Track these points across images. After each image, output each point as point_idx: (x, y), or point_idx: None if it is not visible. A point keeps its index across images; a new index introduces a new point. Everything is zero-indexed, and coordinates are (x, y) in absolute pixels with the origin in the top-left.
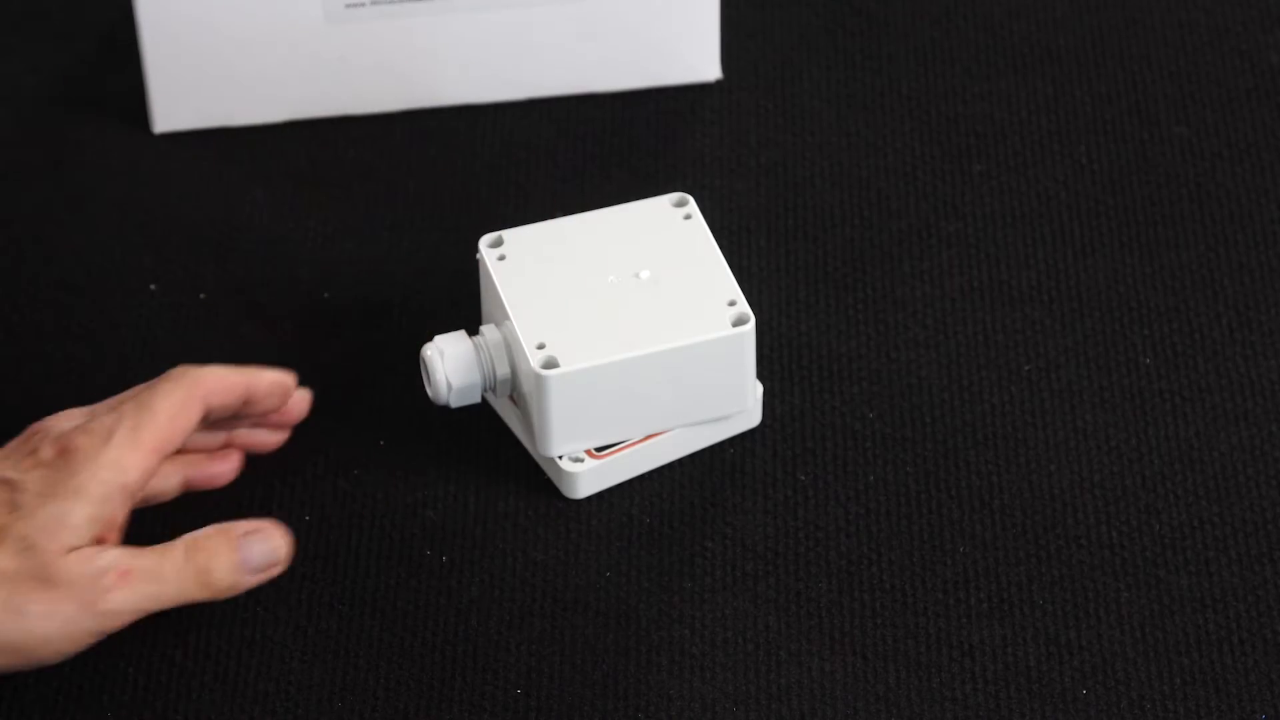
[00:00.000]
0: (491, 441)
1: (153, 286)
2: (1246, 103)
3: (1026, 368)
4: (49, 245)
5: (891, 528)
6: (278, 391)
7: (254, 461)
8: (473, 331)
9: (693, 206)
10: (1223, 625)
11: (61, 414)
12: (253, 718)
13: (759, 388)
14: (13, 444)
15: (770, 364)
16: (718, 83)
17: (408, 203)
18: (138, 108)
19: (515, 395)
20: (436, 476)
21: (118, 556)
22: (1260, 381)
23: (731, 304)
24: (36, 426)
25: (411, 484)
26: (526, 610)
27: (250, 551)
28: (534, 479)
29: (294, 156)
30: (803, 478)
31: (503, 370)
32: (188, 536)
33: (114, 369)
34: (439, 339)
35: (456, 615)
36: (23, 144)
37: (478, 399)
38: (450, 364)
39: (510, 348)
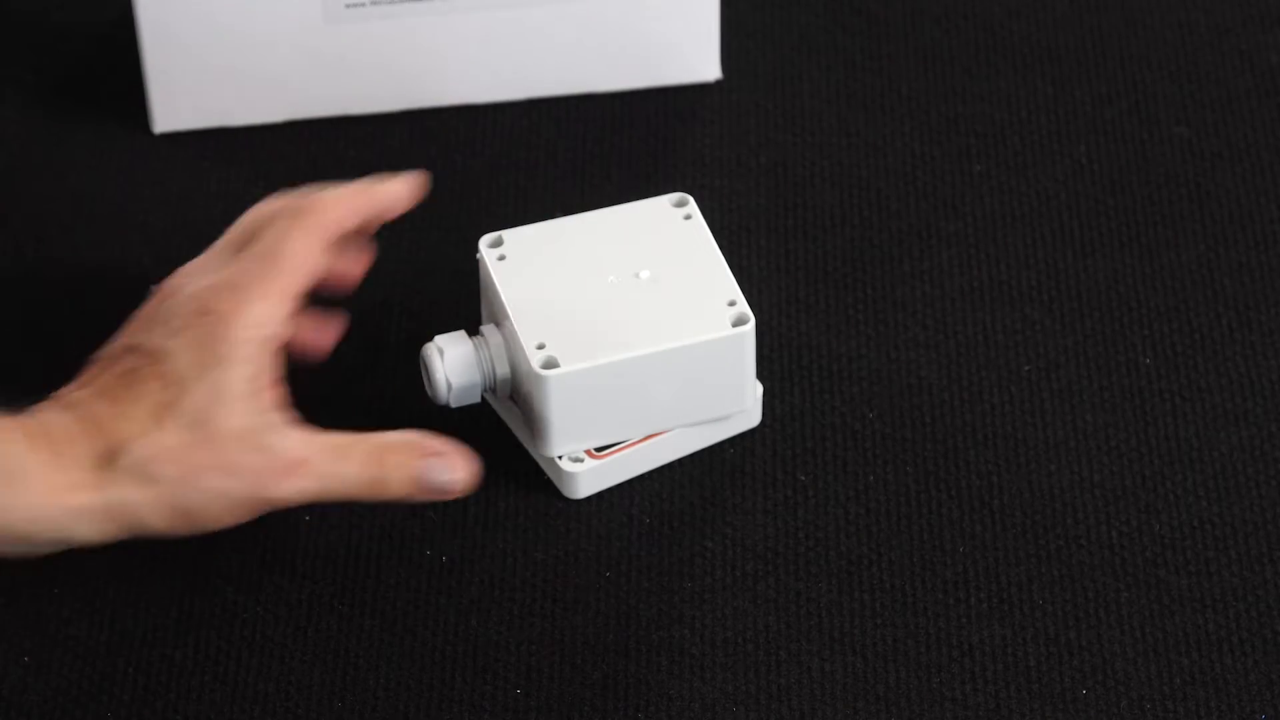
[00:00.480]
0: (491, 441)
1: (153, 286)
2: (1246, 103)
3: (1026, 368)
4: (49, 245)
5: (891, 528)
6: (401, 200)
7: None
8: (473, 332)
9: (693, 206)
10: (1223, 625)
11: (182, 271)
12: (253, 718)
13: (759, 388)
14: (147, 309)
15: (770, 364)
16: (718, 83)
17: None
18: (138, 108)
19: (515, 395)
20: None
21: (297, 444)
22: (1260, 381)
23: (731, 304)
24: (165, 288)
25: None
26: (526, 610)
27: (430, 473)
28: (534, 479)
29: (294, 156)
30: (803, 478)
31: (503, 370)
32: (375, 439)
33: None
34: (439, 339)
35: (456, 615)
36: (23, 144)
37: (478, 399)
38: (450, 364)
39: (510, 348)
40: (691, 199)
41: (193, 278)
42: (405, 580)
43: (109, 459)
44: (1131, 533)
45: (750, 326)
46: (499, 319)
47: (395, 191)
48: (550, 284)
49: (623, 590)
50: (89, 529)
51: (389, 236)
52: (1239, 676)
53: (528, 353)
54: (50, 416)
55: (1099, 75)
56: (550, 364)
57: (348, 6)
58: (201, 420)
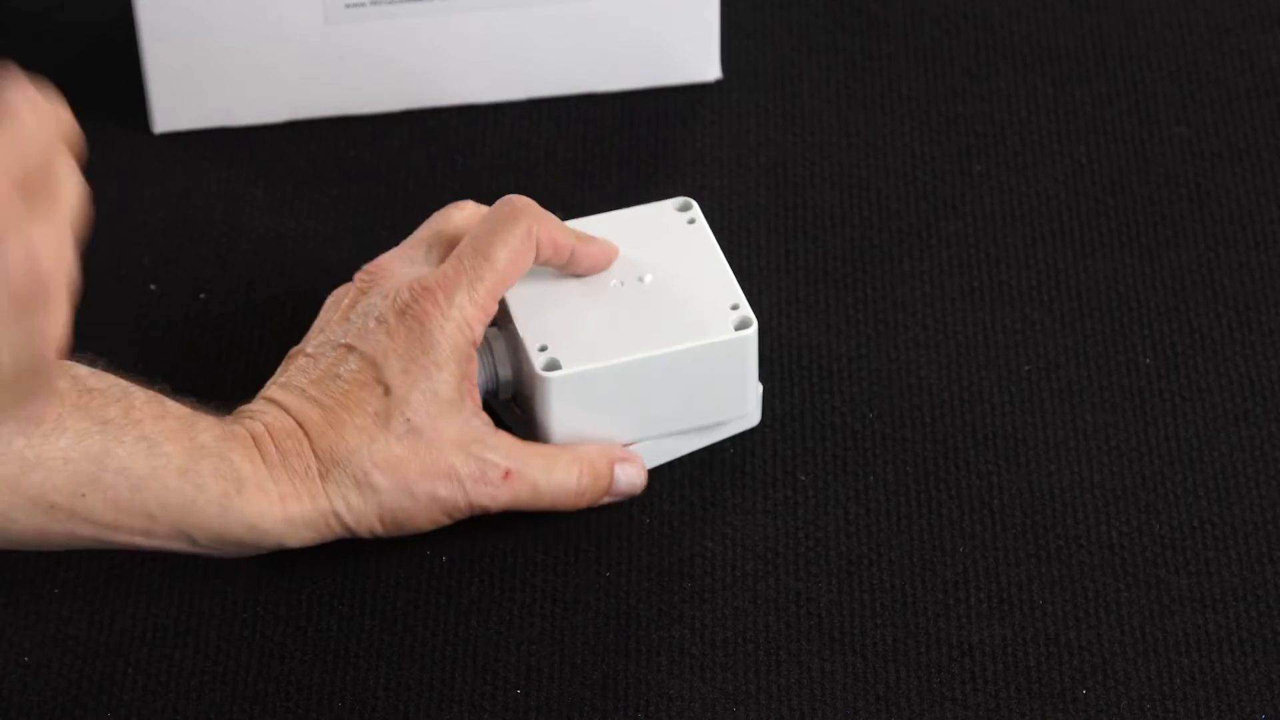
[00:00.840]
0: None
1: (153, 286)
2: (1246, 103)
3: (1026, 368)
4: None
5: (891, 528)
6: (600, 263)
7: None
8: None
9: (696, 211)
10: (1223, 625)
11: (382, 264)
12: (252, 718)
13: (759, 388)
14: (348, 301)
15: (770, 364)
16: (718, 83)
17: (408, 203)
18: (138, 108)
19: (517, 398)
20: None
21: (507, 453)
22: (1260, 381)
23: (735, 308)
24: (370, 275)
25: None
26: (526, 610)
27: (620, 479)
28: None
29: (294, 156)
30: (803, 478)
31: (505, 373)
32: (575, 449)
33: (114, 369)
34: None
35: (456, 615)
36: None
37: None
38: None
39: (513, 350)
40: (695, 203)
41: (394, 273)
42: (405, 580)
43: (327, 468)
44: (1131, 533)
45: (753, 330)
46: (502, 322)
47: (599, 255)
48: (553, 286)
49: (623, 590)
50: (301, 535)
51: (389, 236)
52: (1239, 676)
53: (530, 355)
54: (269, 421)
55: (1099, 75)
56: (552, 366)
57: (348, 6)
58: (417, 429)
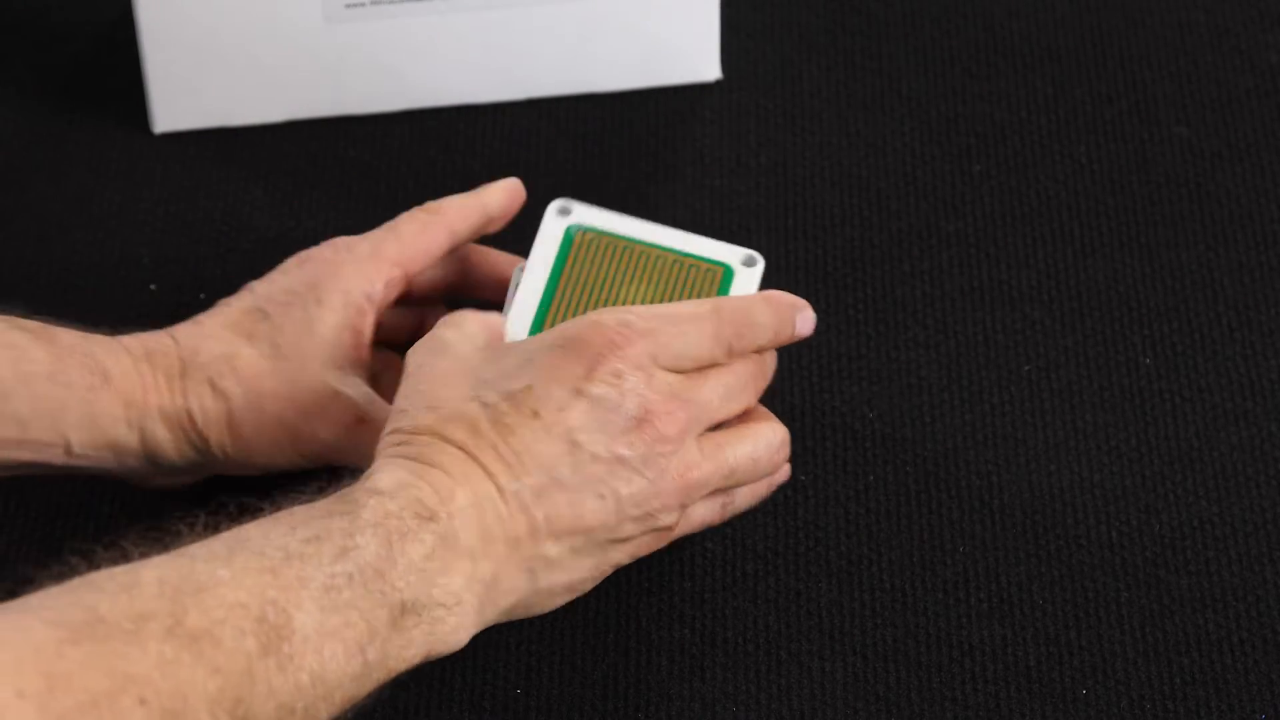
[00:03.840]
0: None
1: (153, 286)
2: (1246, 103)
3: (1026, 368)
4: (49, 245)
5: (891, 528)
6: (509, 197)
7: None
8: None
9: (759, 270)
10: (1223, 625)
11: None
12: None
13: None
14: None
15: None
16: (718, 83)
17: (408, 203)
18: (138, 108)
19: None
20: None
21: (365, 401)
22: (1260, 381)
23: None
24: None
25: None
26: None
27: None
28: None
29: (294, 156)
30: (803, 478)
31: None
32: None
33: None
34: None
35: None
36: (23, 144)
37: None
38: None
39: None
40: (762, 261)
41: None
42: None
43: (187, 367)
44: (1131, 533)
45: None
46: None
47: (502, 191)
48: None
49: (623, 590)
50: (163, 436)
51: None
52: (1239, 676)
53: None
54: (143, 335)
55: (1099, 75)
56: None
57: (348, 6)
58: (283, 354)
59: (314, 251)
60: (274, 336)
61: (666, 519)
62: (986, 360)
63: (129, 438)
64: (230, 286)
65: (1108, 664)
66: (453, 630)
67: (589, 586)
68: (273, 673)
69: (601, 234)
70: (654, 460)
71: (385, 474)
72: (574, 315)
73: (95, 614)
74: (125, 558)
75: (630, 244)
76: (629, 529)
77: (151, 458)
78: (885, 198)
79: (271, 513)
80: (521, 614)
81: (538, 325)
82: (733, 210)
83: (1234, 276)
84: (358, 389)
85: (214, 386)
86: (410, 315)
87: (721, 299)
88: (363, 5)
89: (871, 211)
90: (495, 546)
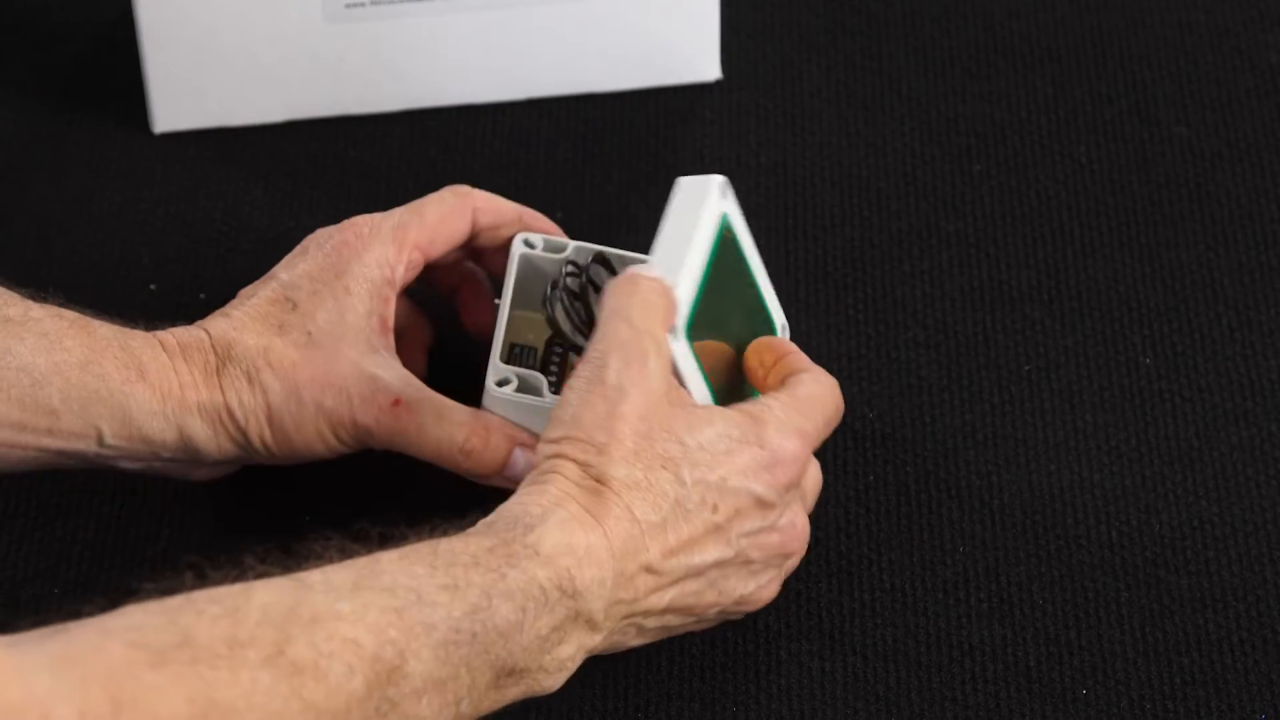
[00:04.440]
0: None
1: (153, 286)
2: (1246, 103)
3: (1026, 368)
4: (49, 245)
5: (891, 528)
6: (544, 225)
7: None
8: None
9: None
10: (1223, 625)
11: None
12: None
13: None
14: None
15: None
16: (718, 83)
17: (407, 203)
18: (138, 108)
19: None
20: (437, 476)
21: (404, 385)
22: (1260, 381)
23: None
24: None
25: (412, 483)
26: None
27: (518, 462)
28: None
29: (294, 156)
30: None
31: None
32: (479, 416)
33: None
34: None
35: None
36: (23, 144)
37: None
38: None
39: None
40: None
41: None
42: None
43: (223, 362)
44: (1131, 533)
45: None
46: None
47: (543, 222)
48: None
49: None
50: (201, 431)
51: None
52: (1239, 676)
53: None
54: (176, 330)
55: (1099, 75)
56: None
57: (348, 6)
58: (316, 342)
59: (337, 233)
60: (305, 325)
61: (750, 605)
62: (986, 360)
63: (165, 432)
64: (230, 286)
65: (1108, 664)
66: (546, 689)
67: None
68: (370, 716)
69: (736, 242)
70: (773, 566)
71: (551, 531)
72: (714, 330)
73: (187, 636)
74: (242, 576)
75: (744, 263)
76: (714, 615)
77: (189, 452)
78: (885, 198)
79: (415, 541)
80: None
81: (690, 323)
82: None
83: (1234, 276)
84: (393, 371)
85: (251, 380)
86: (405, 306)
87: (826, 420)
88: (363, 5)
89: (871, 211)
90: (613, 621)
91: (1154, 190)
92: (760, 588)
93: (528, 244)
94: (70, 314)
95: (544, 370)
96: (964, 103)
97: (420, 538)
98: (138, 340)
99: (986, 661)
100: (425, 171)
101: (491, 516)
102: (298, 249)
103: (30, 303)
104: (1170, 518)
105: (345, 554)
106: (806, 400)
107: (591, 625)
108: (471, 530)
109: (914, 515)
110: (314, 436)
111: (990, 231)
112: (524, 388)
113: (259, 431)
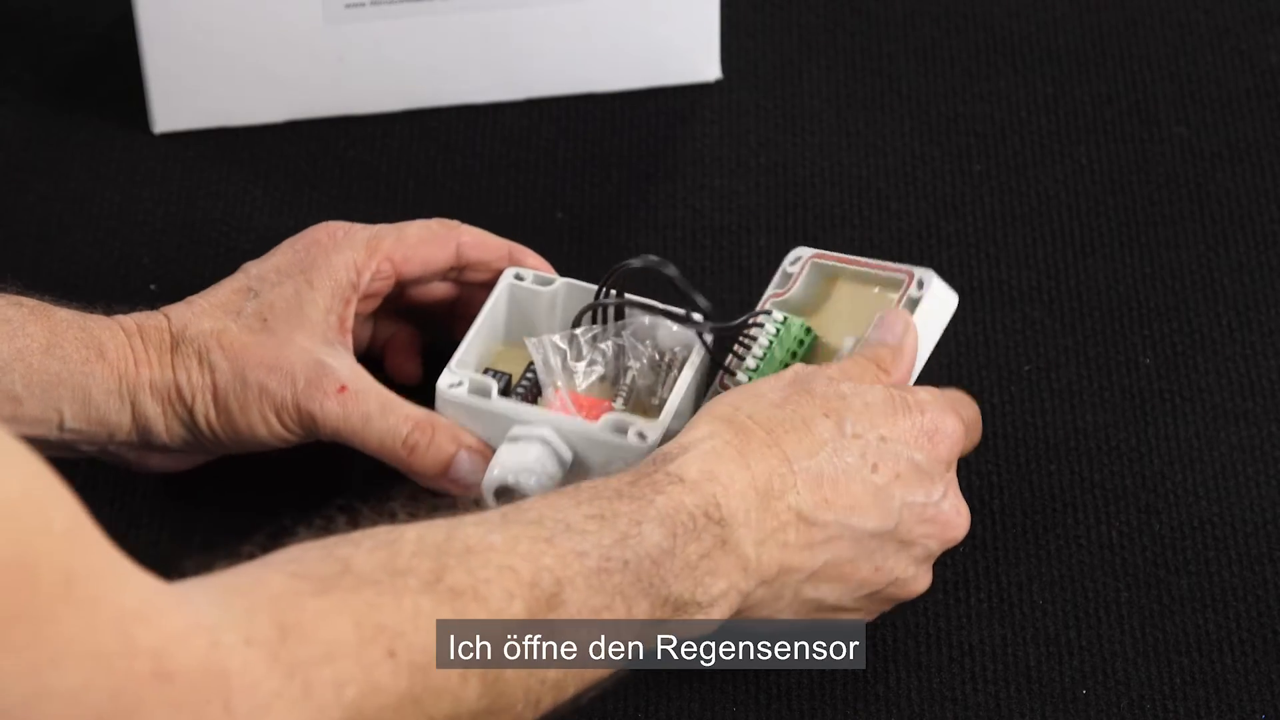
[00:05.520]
0: None
1: (153, 286)
2: (1246, 103)
3: (1026, 368)
4: (49, 245)
5: None
6: (537, 265)
7: (254, 460)
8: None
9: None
10: (1223, 625)
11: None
12: None
13: None
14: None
15: None
16: (718, 83)
17: (407, 203)
18: (138, 108)
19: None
20: None
21: (351, 373)
22: (1260, 381)
23: None
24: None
25: (411, 483)
26: None
27: (461, 464)
28: None
29: (294, 156)
30: None
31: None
32: (425, 414)
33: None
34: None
35: None
36: (23, 144)
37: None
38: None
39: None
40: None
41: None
42: None
43: (178, 341)
44: (1131, 533)
45: None
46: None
47: (536, 261)
48: None
49: None
50: (152, 410)
51: None
52: (1239, 676)
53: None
54: (142, 314)
55: (1099, 75)
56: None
57: (348, 6)
58: (269, 327)
59: (310, 233)
60: (262, 312)
61: (916, 583)
62: (986, 360)
63: (121, 412)
64: None
65: (1108, 664)
66: (699, 629)
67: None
68: (534, 645)
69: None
70: (931, 552)
71: (694, 460)
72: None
73: (347, 566)
74: (393, 518)
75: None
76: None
77: (142, 433)
78: (885, 198)
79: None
80: (743, 616)
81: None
82: (733, 210)
83: (1234, 276)
84: (343, 362)
85: (201, 359)
86: (366, 329)
87: (973, 419)
88: (363, 5)
89: (871, 211)
90: (766, 565)
91: (1154, 190)
92: (917, 576)
93: (518, 277)
94: (30, 301)
95: (511, 390)
96: (964, 103)
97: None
98: (98, 323)
99: (986, 661)
100: (425, 171)
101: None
102: (276, 247)
103: None
104: (1170, 518)
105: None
106: (956, 396)
107: (743, 561)
108: (615, 471)
109: None
110: (258, 419)
111: (990, 231)
112: (474, 389)
113: (204, 411)
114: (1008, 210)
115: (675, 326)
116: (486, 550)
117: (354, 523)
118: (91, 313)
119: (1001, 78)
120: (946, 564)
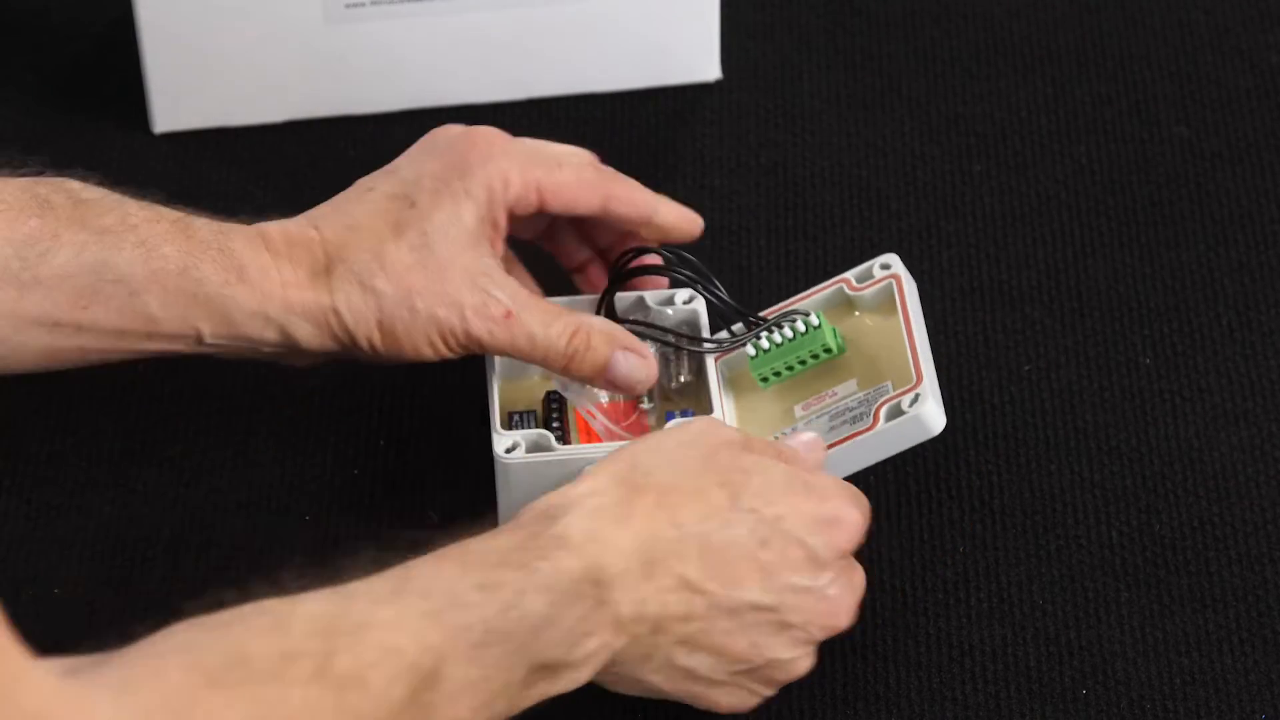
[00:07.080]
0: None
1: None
2: (1246, 103)
3: (1026, 368)
4: None
5: (891, 528)
6: (682, 222)
7: (253, 460)
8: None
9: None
10: (1223, 625)
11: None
12: None
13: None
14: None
15: None
16: (718, 83)
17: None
18: (138, 108)
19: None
20: (437, 477)
21: (513, 295)
22: (1260, 381)
23: None
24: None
25: (412, 484)
26: None
27: (619, 364)
28: None
29: (294, 156)
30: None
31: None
32: (581, 319)
33: (113, 369)
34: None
35: None
36: (23, 144)
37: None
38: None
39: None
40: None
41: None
42: None
43: (334, 264)
44: (1131, 533)
45: None
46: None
47: (679, 217)
48: None
49: None
50: (304, 330)
51: None
52: (1239, 676)
53: None
54: (285, 225)
55: (1099, 75)
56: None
57: (348, 6)
58: (431, 246)
59: (466, 136)
60: (422, 225)
61: (797, 666)
62: (986, 360)
63: (265, 332)
64: None
65: (1108, 664)
66: (567, 687)
67: (659, 694)
68: None
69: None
70: (813, 639)
71: (578, 520)
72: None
73: (240, 653)
74: (284, 591)
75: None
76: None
77: (291, 348)
78: (885, 198)
79: (445, 545)
80: (601, 681)
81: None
82: (733, 210)
83: (1234, 276)
84: (502, 281)
85: (363, 285)
86: None
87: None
88: (363, 5)
89: (871, 211)
90: (641, 625)
91: (1154, 190)
92: (797, 659)
93: None
94: (170, 214)
95: (546, 426)
96: (964, 103)
97: (450, 540)
98: (239, 239)
99: (986, 661)
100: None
101: (521, 511)
102: (422, 143)
103: (128, 205)
104: (1170, 518)
105: (378, 565)
106: (856, 490)
107: (616, 620)
108: (503, 527)
109: (914, 515)
110: (424, 343)
111: (990, 231)
112: (533, 448)
113: (368, 335)
114: (1008, 210)
115: (669, 309)
116: (375, 628)
117: (247, 597)
118: (234, 223)
119: (1001, 78)
120: (946, 564)
